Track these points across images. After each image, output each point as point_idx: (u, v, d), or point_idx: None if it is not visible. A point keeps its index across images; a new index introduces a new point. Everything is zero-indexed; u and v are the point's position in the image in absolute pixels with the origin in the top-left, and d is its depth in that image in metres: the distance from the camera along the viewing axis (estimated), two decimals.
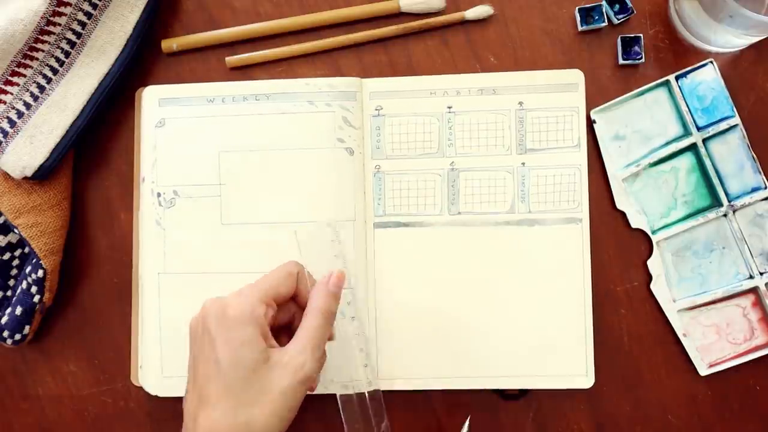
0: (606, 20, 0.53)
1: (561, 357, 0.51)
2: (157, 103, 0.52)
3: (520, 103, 0.52)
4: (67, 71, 0.51)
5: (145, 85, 0.53)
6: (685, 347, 0.52)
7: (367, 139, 0.52)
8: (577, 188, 0.52)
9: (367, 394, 0.50)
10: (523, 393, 0.53)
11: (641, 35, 0.52)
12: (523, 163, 0.52)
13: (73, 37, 0.50)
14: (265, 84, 0.52)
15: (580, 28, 0.53)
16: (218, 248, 0.51)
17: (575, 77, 0.52)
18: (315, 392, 0.47)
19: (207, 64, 0.54)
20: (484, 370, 0.51)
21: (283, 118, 0.52)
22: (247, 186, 0.51)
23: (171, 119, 0.52)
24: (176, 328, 0.50)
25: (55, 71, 0.51)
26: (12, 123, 0.50)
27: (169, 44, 0.53)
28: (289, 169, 0.51)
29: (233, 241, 0.51)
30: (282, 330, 0.46)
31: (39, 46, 0.50)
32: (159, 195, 0.52)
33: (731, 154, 0.52)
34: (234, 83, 0.53)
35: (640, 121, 0.53)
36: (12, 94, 0.50)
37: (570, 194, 0.52)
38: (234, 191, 0.51)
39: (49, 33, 0.49)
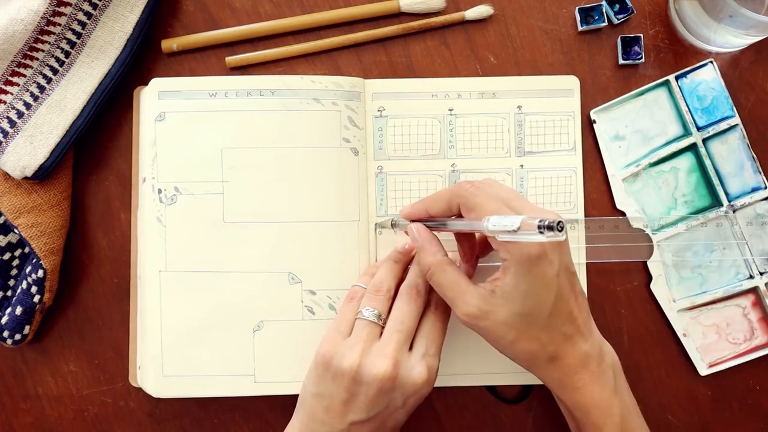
0: (606, 20, 0.53)
1: None
2: (156, 96, 0.51)
3: (519, 107, 0.52)
4: (67, 71, 0.51)
5: (145, 85, 0.53)
6: (685, 347, 0.52)
7: (369, 140, 0.52)
8: (573, 190, 0.52)
9: None
10: (521, 398, 0.53)
11: (641, 35, 0.52)
12: (522, 166, 0.52)
13: (73, 37, 0.50)
14: (269, 79, 0.52)
15: (580, 28, 0.53)
16: (220, 247, 0.51)
17: (571, 83, 0.52)
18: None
19: (207, 64, 0.54)
20: (482, 368, 0.52)
21: (289, 115, 0.51)
22: (251, 184, 0.51)
23: (171, 113, 0.51)
24: (178, 326, 0.50)
25: (55, 71, 0.51)
26: (12, 123, 0.50)
27: (169, 44, 0.53)
28: (294, 168, 0.51)
29: (236, 239, 0.51)
30: None
31: (39, 46, 0.50)
32: (160, 191, 0.51)
33: (731, 154, 0.52)
34: (237, 77, 0.52)
35: (640, 121, 0.53)
36: (12, 94, 0.50)
37: (566, 196, 0.52)
38: (237, 189, 0.51)
39: (49, 33, 0.49)
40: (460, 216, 0.44)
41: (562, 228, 0.35)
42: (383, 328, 0.46)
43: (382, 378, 0.43)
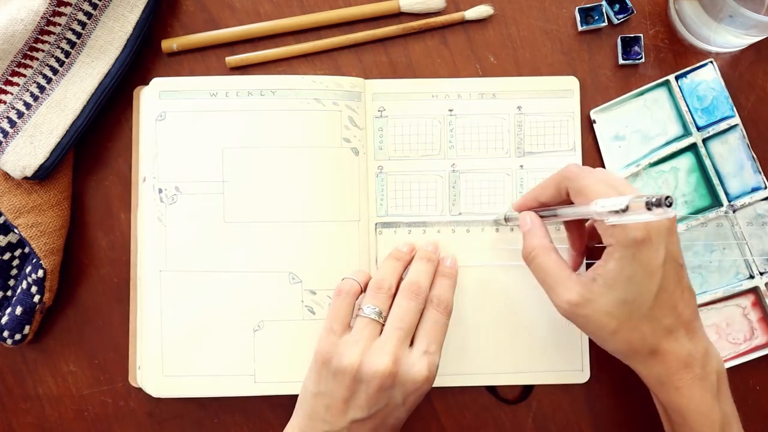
0: (606, 20, 0.53)
1: (558, 354, 0.52)
2: (157, 96, 0.52)
3: (519, 108, 0.52)
4: (67, 71, 0.51)
5: (146, 84, 0.53)
6: None
7: (370, 140, 0.52)
8: None
9: None
10: (521, 398, 0.53)
11: (641, 35, 0.52)
12: (522, 166, 0.52)
13: (73, 37, 0.50)
14: (270, 79, 0.52)
15: (580, 28, 0.53)
16: (221, 246, 0.51)
17: (571, 84, 0.53)
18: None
19: (207, 64, 0.54)
20: (482, 368, 0.52)
21: (289, 115, 0.51)
22: (251, 184, 0.51)
23: (172, 113, 0.51)
24: (178, 326, 0.50)
25: (55, 71, 0.51)
26: (12, 123, 0.50)
27: (169, 44, 0.53)
28: (295, 168, 0.51)
29: (236, 239, 0.51)
30: None
31: (39, 46, 0.50)
32: (160, 191, 0.51)
33: (731, 154, 0.52)
34: (237, 77, 0.52)
35: (640, 121, 0.53)
36: (12, 94, 0.50)
37: None
38: (238, 189, 0.51)
39: (49, 33, 0.49)
40: (569, 203, 0.44)
41: (671, 203, 0.34)
42: (384, 325, 0.46)
43: (382, 375, 0.43)
